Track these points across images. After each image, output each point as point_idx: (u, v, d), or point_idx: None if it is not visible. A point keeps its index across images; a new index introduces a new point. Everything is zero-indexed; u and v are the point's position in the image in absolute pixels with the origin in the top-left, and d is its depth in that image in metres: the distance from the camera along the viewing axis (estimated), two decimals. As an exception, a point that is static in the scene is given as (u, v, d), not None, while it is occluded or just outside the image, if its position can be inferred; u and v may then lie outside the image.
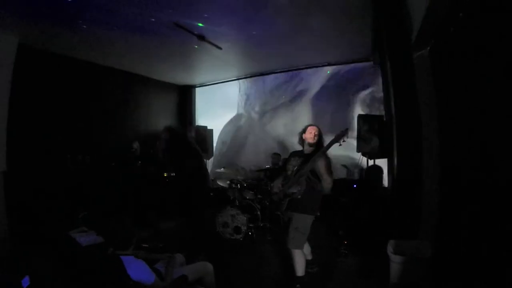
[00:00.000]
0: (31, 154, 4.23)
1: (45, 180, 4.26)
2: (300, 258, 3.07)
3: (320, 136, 3.11)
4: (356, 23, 3.80)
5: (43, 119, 4.48)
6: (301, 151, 3.20)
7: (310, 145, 3.11)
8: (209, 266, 2.92)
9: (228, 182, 5.58)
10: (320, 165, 2.86)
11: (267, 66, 6.34)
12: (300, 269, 3.07)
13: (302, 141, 3.19)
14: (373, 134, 3.99)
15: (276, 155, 6.05)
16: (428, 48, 2.62)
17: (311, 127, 3.17)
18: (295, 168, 3.12)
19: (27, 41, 4.16)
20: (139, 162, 5.18)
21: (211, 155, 7.08)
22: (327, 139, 3.03)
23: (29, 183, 4.11)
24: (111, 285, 2.13)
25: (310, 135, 3.10)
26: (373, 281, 3.15)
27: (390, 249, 2.77)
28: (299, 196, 3.01)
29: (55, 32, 4.03)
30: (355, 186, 4.63)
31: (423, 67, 2.73)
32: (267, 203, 5.07)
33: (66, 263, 2.26)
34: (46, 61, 4.60)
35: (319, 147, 3.06)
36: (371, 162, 4.35)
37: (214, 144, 7.39)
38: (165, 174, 5.61)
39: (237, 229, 4.72)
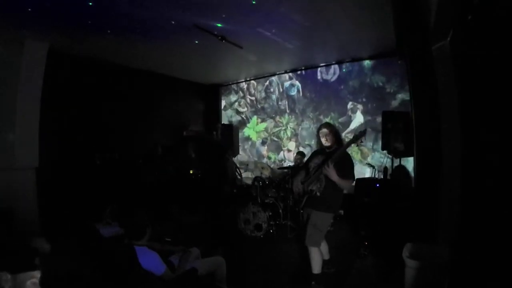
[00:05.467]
0: (62, 151, 4.57)
1: (75, 175, 4.59)
2: (317, 256, 3.04)
3: (334, 134, 3.05)
4: (376, 16, 3.64)
5: (73, 119, 4.81)
6: (323, 149, 3.15)
7: (327, 147, 3.07)
8: (222, 261, 2.99)
9: (252, 179, 5.65)
10: (332, 173, 2.82)
11: (287, 64, 6.30)
12: (316, 267, 3.04)
13: (319, 143, 3.14)
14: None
15: (299, 154, 5.98)
16: (448, 38, 2.44)
17: (322, 130, 3.10)
18: (316, 165, 3.09)
19: (57, 46, 4.50)
20: (162, 161, 5.41)
21: (237, 152, 7.18)
22: None
23: (59, 179, 4.45)
24: (123, 272, 2.27)
25: (322, 139, 3.07)
26: (391, 285, 3.01)
27: (406, 253, 2.64)
28: (318, 194, 2.99)
29: (82, 38, 4.34)
30: (377, 185, 4.44)
31: (444, 59, 2.55)
32: (289, 201, 5.04)
33: (89, 252, 2.43)
34: (75, 64, 4.94)
35: (338, 144, 3.03)
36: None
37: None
38: (191, 171, 5.80)
39: (258, 226, 4.76)
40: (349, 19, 3.88)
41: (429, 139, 2.65)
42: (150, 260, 2.44)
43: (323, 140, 3.05)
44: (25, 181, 4.18)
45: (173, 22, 3.95)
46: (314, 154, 3.30)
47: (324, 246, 3.34)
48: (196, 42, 4.65)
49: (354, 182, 3.11)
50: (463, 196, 2.43)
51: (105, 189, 4.62)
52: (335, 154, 2.90)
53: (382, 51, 5.26)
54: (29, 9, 3.41)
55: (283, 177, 5.67)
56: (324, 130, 3.06)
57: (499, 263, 1.94)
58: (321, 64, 6.30)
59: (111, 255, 2.40)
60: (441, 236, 2.65)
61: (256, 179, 5.61)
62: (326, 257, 3.39)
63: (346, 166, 2.93)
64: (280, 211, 4.99)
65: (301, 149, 6.61)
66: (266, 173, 5.75)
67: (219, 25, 4.11)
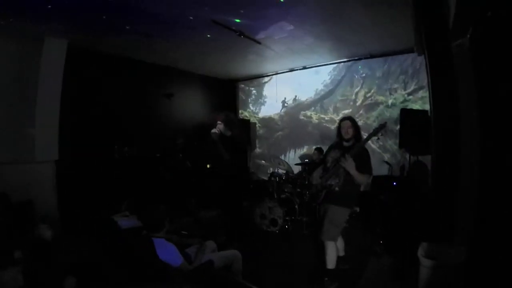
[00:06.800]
0: (81, 145, 4.70)
1: (93, 168, 4.73)
2: (332, 251, 3.07)
3: (355, 128, 3.09)
4: (395, 11, 3.56)
5: (92, 113, 4.93)
6: (341, 144, 3.18)
7: (346, 140, 3.10)
8: (238, 254, 3.06)
9: (268, 174, 5.69)
10: (350, 166, 2.85)
11: (306, 60, 6.26)
12: (331, 262, 3.07)
13: (339, 135, 3.17)
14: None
15: (317, 149, 5.96)
16: (468, 36, 2.37)
17: (344, 121, 3.14)
18: (334, 160, 3.11)
19: (76, 43, 4.62)
20: (181, 155, 5.54)
21: (254, 147, 7.25)
22: None
23: (78, 171, 4.59)
24: (141, 263, 2.39)
25: (343, 131, 3.09)
26: (405, 284, 3.00)
27: (421, 252, 2.62)
28: (337, 188, 3.02)
29: (101, 34, 4.44)
30: (395, 183, 4.38)
31: (463, 57, 2.48)
32: (305, 197, 5.05)
33: (107, 243, 2.56)
34: (94, 60, 5.05)
35: (357, 139, 3.07)
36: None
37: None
38: (208, 165, 5.89)
39: (273, 221, 4.81)
40: (368, 15, 3.82)
41: (447, 137, 2.60)
42: (167, 252, 2.53)
43: (343, 131, 3.09)
44: (45, 174, 4.33)
45: (191, 18, 4.01)
46: (331, 148, 3.31)
47: (340, 243, 3.36)
48: (209, 36, 4.68)
49: (371, 177, 3.11)
50: (480, 196, 2.38)
51: (123, 183, 4.75)
52: (353, 147, 2.93)
53: (400, 48, 5.16)
54: (49, 6, 3.49)
55: (299, 173, 5.69)
56: (347, 122, 3.10)
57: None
58: (339, 61, 6.24)
59: (130, 246, 2.51)
60: (458, 236, 2.61)
61: (272, 174, 5.66)
62: (342, 253, 3.40)
63: (363, 160, 2.94)
64: (296, 206, 5.02)
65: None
66: (281, 169, 5.79)
67: (237, 20, 4.15)
